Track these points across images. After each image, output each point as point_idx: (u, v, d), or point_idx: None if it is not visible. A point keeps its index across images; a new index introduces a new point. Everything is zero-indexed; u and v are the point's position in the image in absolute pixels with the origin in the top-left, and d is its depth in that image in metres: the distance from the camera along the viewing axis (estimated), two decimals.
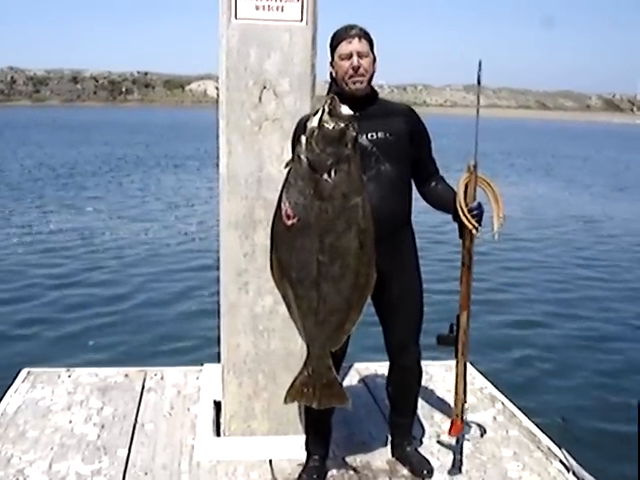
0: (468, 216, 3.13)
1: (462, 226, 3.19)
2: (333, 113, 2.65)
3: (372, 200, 2.82)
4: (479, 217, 3.16)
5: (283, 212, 2.72)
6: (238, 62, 3.48)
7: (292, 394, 3.02)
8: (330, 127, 2.64)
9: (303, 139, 2.68)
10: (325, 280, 2.76)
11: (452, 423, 3.47)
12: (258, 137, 3.53)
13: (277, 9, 3.44)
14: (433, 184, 3.35)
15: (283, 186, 2.74)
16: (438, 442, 3.81)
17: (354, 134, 2.68)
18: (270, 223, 2.81)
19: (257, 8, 3.43)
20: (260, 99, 3.52)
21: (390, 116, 3.23)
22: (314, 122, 2.66)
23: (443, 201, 3.29)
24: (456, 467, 3.51)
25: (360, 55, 3.11)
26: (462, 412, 3.44)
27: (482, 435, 3.96)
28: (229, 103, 3.52)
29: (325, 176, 2.65)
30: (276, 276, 2.86)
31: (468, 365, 4.81)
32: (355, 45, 3.11)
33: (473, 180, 3.17)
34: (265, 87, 3.51)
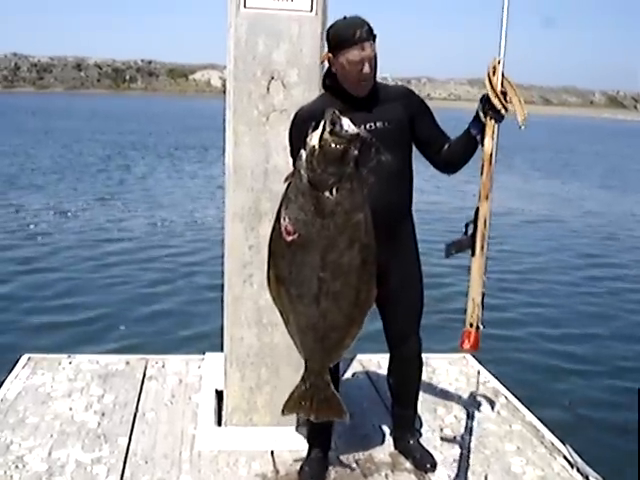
0: (500, 96, 3.02)
1: (489, 111, 3.07)
2: (335, 131, 2.57)
3: (372, 192, 2.78)
4: (506, 101, 3.06)
5: (283, 228, 2.66)
6: (246, 51, 3.45)
7: (289, 407, 2.99)
8: (332, 147, 2.57)
9: (303, 155, 2.62)
10: (326, 297, 2.72)
11: (466, 334, 3.20)
12: (265, 128, 3.50)
13: None
14: (446, 146, 3.26)
15: (282, 202, 2.68)
16: (441, 439, 3.78)
17: (356, 153, 2.61)
18: (275, 215, 2.79)
19: None
20: (268, 89, 3.49)
21: (388, 103, 3.17)
22: (315, 140, 2.59)
23: (461, 142, 3.21)
24: (463, 460, 3.49)
25: (370, 60, 3.03)
26: (479, 320, 3.20)
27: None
28: (236, 93, 3.50)
29: (327, 193, 2.60)
30: (274, 292, 2.82)
31: (471, 358, 4.86)
32: (367, 52, 3.01)
33: (499, 69, 3.06)
34: (273, 77, 3.48)
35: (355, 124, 2.82)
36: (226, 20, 3.49)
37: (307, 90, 3.44)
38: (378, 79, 3.22)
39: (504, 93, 3.04)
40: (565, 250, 13.36)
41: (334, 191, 2.60)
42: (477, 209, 3.17)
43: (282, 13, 3.43)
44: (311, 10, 3.43)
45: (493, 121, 3.07)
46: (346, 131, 2.58)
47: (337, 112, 2.60)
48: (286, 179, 2.70)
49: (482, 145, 3.13)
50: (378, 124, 3.12)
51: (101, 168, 23.14)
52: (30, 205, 15.39)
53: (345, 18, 3.06)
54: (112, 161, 25.39)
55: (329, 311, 2.74)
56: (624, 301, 10.01)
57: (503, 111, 3.04)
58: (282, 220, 2.67)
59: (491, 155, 3.14)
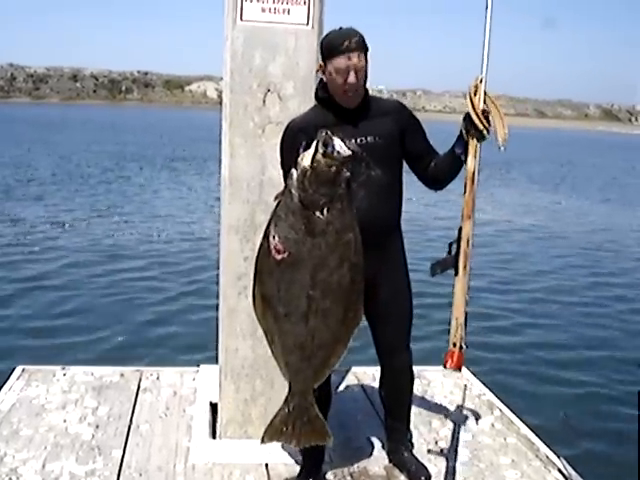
0: (481, 116, 3.03)
1: (470, 130, 3.07)
2: (327, 153, 2.58)
3: (362, 206, 2.81)
4: (488, 121, 3.07)
5: (272, 246, 2.67)
6: (242, 64, 3.47)
7: (270, 434, 2.96)
8: (324, 168, 2.58)
9: (294, 175, 2.63)
10: (315, 315, 2.73)
11: (449, 354, 3.24)
12: (261, 140, 3.52)
13: (283, 12, 3.43)
14: (432, 163, 3.27)
15: (271, 220, 2.69)
16: (428, 451, 3.75)
17: (348, 175, 2.63)
18: (263, 233, 2.77)
19: (263, 10, 3.42)
20: (264, 102, 3.50)
21: (379, 117, 3.17)
22: (307, 161, 2.59)
23: (447, 160, 3.21)
24: (458, 473, 3.48)
25: (357, 71, 3.02)
26: (462, 340, 3.22)
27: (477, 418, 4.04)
28: (233, 105, 3.51)
29: (318, 213, 2.62)
30: (259, 311, 2.82)
31: (466, 371, 4.85)
32: (354, 61, 3.00)
33: (481, 88, 3.08)
34: (269, 90, 3.50)
35: (346, 138, 2.84)
36: (223, 33, 3.50)
37: (303, 102, 3.45)
38: (373, 92, 3.23)
39: (486, 112, 3.05)
40: (558, 261, 13.42)
41: (325, 211, 2.62)
42: (460, 228, 3.18)
43: (278, 26, 3.44)
44: (307, 23, 3.45)
45: (475, 140, 3.09)
46: (339, 153, 2.59)
47: (329, 133, 2.61)
48: (276, 197, 2.71)
49: (466, 146, 3.14)
50: (369, 138, 3.11)
51: (98, 179, 23.22)
52: (27, 216, 15.40)
53: (340, 29, 3.07)
54: (109, 172, 25.46)
55: (317, 329, 2.75)
56: (620, 312, 10.05)
57: (485, 132, 3.05)
58: (271, 238, 2.67)
59: (474, 174, 3.14)
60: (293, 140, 3.11)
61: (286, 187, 2.68)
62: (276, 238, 2.66)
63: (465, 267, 3.18)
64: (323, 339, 2.78)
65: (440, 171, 3.26)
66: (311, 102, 3.28)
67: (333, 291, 2.72)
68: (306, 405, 2.91)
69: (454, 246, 3.21)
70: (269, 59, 3.47)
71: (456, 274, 3.20)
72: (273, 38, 3.45)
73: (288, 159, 3.13)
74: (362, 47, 3.04)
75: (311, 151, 2.61)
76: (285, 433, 2.93)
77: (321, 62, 3.10)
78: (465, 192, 3.17)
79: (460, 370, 3.35)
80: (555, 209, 21.29)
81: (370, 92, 3.22)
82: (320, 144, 2.59)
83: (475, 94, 3.08)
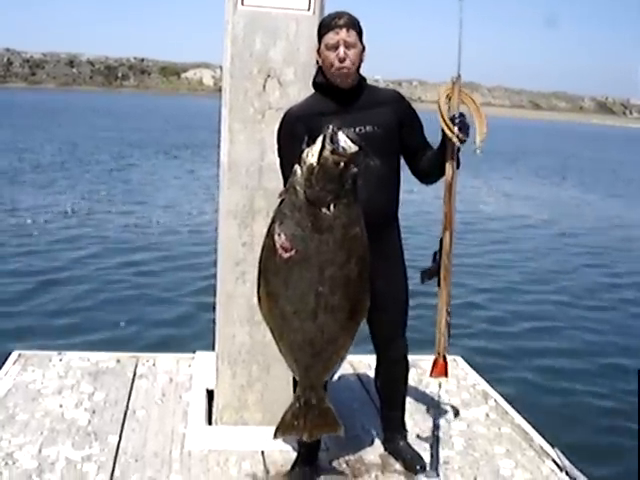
0: (449, 123, 3.02)
1: (445, 140, 3.07)
2: (335, 150, 2.56)
3: (360, 196, 2.78)
4: (462, 127, 3.04)
5: (278, 245, 2.66)
6: (243, 49, 3.45)
7: (282, 429, 2.99)
8: (332, 165, 2.56)
9: (298, 172, 2.61)
10: (324, 311, 2.74)
11: (434, 363, 3.34)
12: (261, 126, 3.50)
13: None
14: (423, 159, 3.27)
15: (275, 218, 2.68)
16: (422, 439, 3.76)
17: (355, 171, 2.62)
18: (270, 213, 2.78)
19: None
20: (264, 87, 3.49)
21: (378, 106, 3.16)
22: (314, 158, 2.58)
23: (435, 157, 3.20)
24: (453, 462, 3.49)
25: (347, 45, 3.03)
26: (445, 350, 3.29)
27: (456, 415, 4.04)
28: (232, 91, 3.50)
29: (324, 209, 2.61)
30: (265, 309, 2.82)
31: (460, 360, 4.86)
32: (342, 35, 3.02)
33: (456, 91, 3.07)
34: (269, 75, 3.48)
35: (345, 127, 2.83)
36: (223, 18, 3.48)
37: (303, 89, 3.44)
38: (370, 81, 3.22)
39: (462, 115, 3.04)
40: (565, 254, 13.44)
41: (332, 207, 2.61)
42: (441, 240, 3.18)
43: (279, 11, 3.43)
44: (308, 9, 3.44)
45: (451, 144, 3.07)
46: (345, 149, 2.57)
47: (335, 129, 2.59)
48: (280, 195, 2.70)
49: (443, 155, 3.13)
50: (368, 128, 3.11)
51: (98, 166, 23.13)
52: (26, 202, 15.36)
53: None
54: (109, 159, 25.36)
55: (326, 325, 2.76)
56: (617, 301, 10.09)
57: (455, 139, 3.02)
58: (277, 237, 2.66)
59: (451, 183, 3.11)
60: (290, 129, 3.10)
61: (290, 184, 2.66)
62: (282, 236, 2.65)
63: (445, 279, 3.19)
64: (332, 334, 2.79)
65: (429, 168, 3.26)
66: (311, 88, 3.26)
67: (342, 286, 2.73)
68: (317, 399, 2.93)
69: (438, 256, 3.22)
70: (270, 44, 3.45)
71: (438, 285, 3.23)
72: (274, 23, 3.44)
73: (285, 147, 3.12)
74: (352, 24, 3.05)
75: (317, 147, 2.59)
76: (297, 427, 2.96)
77: (318, 46, 3.11)
78: (444, 202, 3.17)
79: (446, 376, 3.37)
80: (562, 203, 21.27)
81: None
82: (328, 140, 2.57)
83: (448, 97, 3.08)
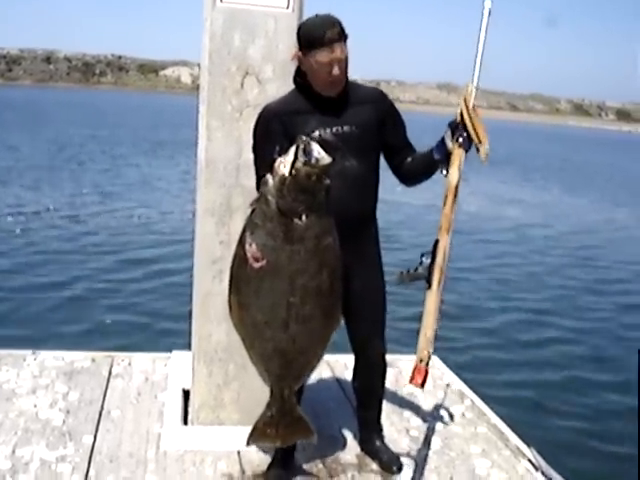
0: (477, 129, 2.95)
1: (459, 140, 2.98)
2: (308, 162, 2.53)
3: (336, 197, 2.75)
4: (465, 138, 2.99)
5: (249, 255, 2.63)
6: (222, 46, 3.42)
7: (255, 437, 2.97)
8: (305, 177, 2.53)
9: (270, 182, 2.58)
10: (295, 321, 2.71)
11: (417, 371, 3.13)
12: (239, 123, 3.47)
13: None
14: (409, 159, 3.22)
15: (245, 227, 2.65)
16: (399, 439, 3.77)
17: (328, 182, 2.59)
18: (247, 211, 2.75)
19: None
20: (242, 85, 3.47)
21: (358, 105, 3.11)
22: (286, 169, 2.54)
23: (423, 162, 3.16)
24: (429, 462, 3.49)
25: (340, 62, 2.97)
26: (429, 358, 3.11)
27: (432, 415, 4.04)
28: (210, 88, 3.47)
29: (296, 220, 2.59)
30: (236, 319, 2.79)
31: (437, 361, 4.86)
32: (337, 54, 2.94)
33: (472, 98, 3.01)
34: (248, 73, 3.46)
35: (322, 127, 2.80)
36: (202, 14, 3.46)
37: (282, 86, 3.41)
38: (350, 80, 3.19)
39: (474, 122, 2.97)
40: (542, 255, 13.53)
41: (304, 217, 2.58)
42: (436, 241, 3.08)
43: (258, 9, 3.41)
44: (287, 7, 3.42)
45: (461, 149, 3.00)
46: (319, 161, 2.54)
47: (308, 139, 2.57)
48: (251, 204, 2.66)
49: (445, 174, 3.05)
50: (345, 128, 3.06)
51: (74, 163, 23.00)
52: (6, 198, 15.27)
53: (317, 16, 3.00)
54: (85, 156, 25.22)
55: (298, 335, 2.74)
56: (599, 299, 10.22)
57: (476, 140, 2.96)
58: (248, 246, 2.63)
59: (456, 186, 3.04)
60: (266, 126, 3.07)
61: (261, 194, 2.63)
62: (253, 246, 2.62)
63: (440, 282, 3.08)
64: (304, 344, 2.77)
65: (414, 171, 3.23)
66: (290, 85, 3.23)
67: (313, 296, 2.70)
68: (289, 408, 2.91)
69: (425, 257, 3.10)
70: (248, 41, 3.43)
71: (429, 287, 3.09)
72: (253, 20, 3.41)
73: (260, 144, 3.09)
74: (343, 37, 2.98)
75: (290, 158, 2.55)
76: (269, 435, 2.95)
77: (298, 51, 3.03)
78: (445, 204, 3.06)
79: (424, 386, 3.20)
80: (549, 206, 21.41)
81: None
82: (300, 152, 2.53)
83: (465, 103, 2.99)
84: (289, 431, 2.95)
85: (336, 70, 2.96)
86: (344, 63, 3.00)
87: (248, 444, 3.01)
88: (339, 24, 2.97)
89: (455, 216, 3.08)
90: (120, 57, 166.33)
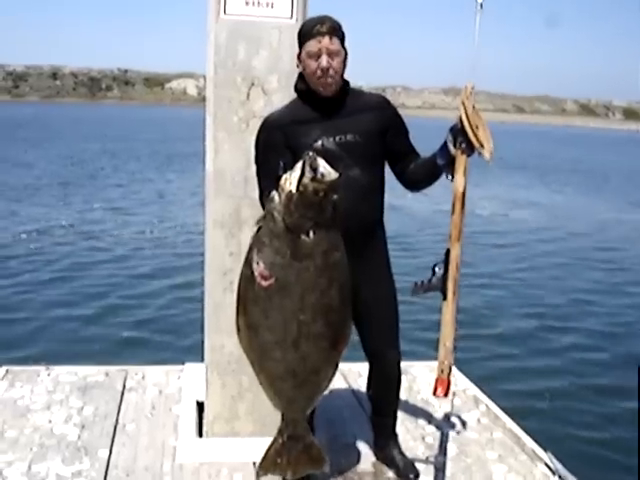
0: (476, 132, 2.88)
1: (462, 145, 2.91)
2: (315, 178, 2.49)
3: (342, 206, 2.68)
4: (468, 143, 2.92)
5: (257, 273, 2.58)
6: (226, 58, 3.44)
7: (265, 466, 2.89)
8: (311, 193, 2.49)
9: (276, 199, 2.53)
10: (306, 339, 2.65)
11: (437, 382, 3.13)
12: (246, 135, 3.48)
13: (267, 5, 3.40)
14: (412, 165, 3.19)
15: (252, 246, 2.61)
16: (415, 447, 3.76)
17: (335, 198, 2.54)
18: (244, 260, 2.68)
19: (247, 4, 3.39)
20: (248, 96, 3.47)
21: (361, 113, 3.09)
22: (292, 185, 2.50)
23: (426, 167, 3.12)
24: (445, 469, 3.47)
25: (330, 53, 2.95)
26: (450, 368, 3.10)
27: (447, 421, 4.02)
28: (216, 100, 3.48)
29: (303, 236, 2.54)
30: (244, 341, 2.73)
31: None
32: (325, 43, 2.94)
33: (471, 99, 2.91)
34: (253, 84, 3.47)
35: (324, 136, 2.77)
36: (206, 27, 3.47)
37: (287, 96, 3.41)
38: (353, 87, 3.18)
39: (476, 125, 2.90)
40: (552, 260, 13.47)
41: (311, 233, 2.54)
42: (448, 250, 3.03)
43: (262, 20, 3.42)
44: (291, 17, 3.43)
45: (465, 155, 2.94)
46: (325, 176, 2.50)
47: (315, 155, 2.52)
48: (257, 222, 2.62)
49: (451, 178, 3.01)
50: (349, 136, 3.04)
51: (88, 175, 23.16)
52: (21, 215, 15.37)
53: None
54: (99, 170, 25.43)
55: (309, 354, 2.68)
56: (611, 306, 10.12)
57: (477, 145, 2.90)
58: (255, 265, 2.58)
59: (463, 193, 2.99)
60: (267, 137, 3.07)
61: (268, 211, 2.58)
62: (260, 264, 2.57)
63: (454, 293, 3.03)
64: (315, 363, 2.70)
65: (418, 176, 3.20)
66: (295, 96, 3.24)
67: (323, 314, 2.64)
68: (301, 432, 2.86)
69: (438, 267, 3.06)
70: (253, 53, 3.44)
71: (444, 298, 3.05)
72: (257, 32, 3.42)
73: (262, 155, 3.09)
74: (334, 31, 2.97)
75: (296, 174, 2.51)
76: (280, 464, 2.87)
77: (298, 52, 3.05)
78: (453, 212, 3.01)
79: (447, 396, 3.23)
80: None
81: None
82: (308, 168, 2.49)
83: (464, 106, 2.91)
84: (300, 459, 2.87)
85: (324, 60, 2.94)
86: (337, 58, 2.98)
87: (258, 476, 2.94)
88: (333, 21, 2.99)
89: (466, 221, 3.04)
90: (126, 71, 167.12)
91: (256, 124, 3.44)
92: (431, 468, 3.52)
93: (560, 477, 3.52)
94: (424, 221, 15.97)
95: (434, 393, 3.14)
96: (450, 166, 3.00)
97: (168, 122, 70.35)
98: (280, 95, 3.46)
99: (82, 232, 13.82)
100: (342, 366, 4.69)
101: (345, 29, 3.05)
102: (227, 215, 3.55)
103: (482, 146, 2.91)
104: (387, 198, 3.25)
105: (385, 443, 3.56)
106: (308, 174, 2.49)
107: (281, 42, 3.44)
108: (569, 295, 10.63)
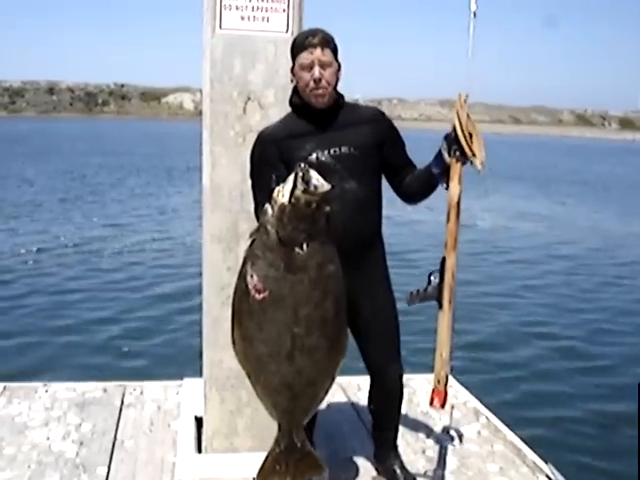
0: (469, 140, 2.87)
1: (456, 153, 2.90)
2: (308, 190, 2.48)
3: (337, 220, 2.69)
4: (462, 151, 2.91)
5: (251, 286, 2.57)
6: (222, 73, 3.44)
7: (263, 475, 2.87)
8: (304, 205, 2.48)
9: (269, 211, 2.53)
10: (301, 352, 2.63)
11: (433, 392, 3.12)
12: (242, 149, 3.47)
13: (263, 20, 3.40)
14: (409, 177, 3.18)
15: (246, 259, 2.60)
16: (416, 460, 3.74)
17: (328, 209, 2.54)
18: (239, 273, 2.67)
19: (242, 18, 3.40)
20: (244, 110, 3.47)
21: (355, 126, 3.08)
22: (285, 197, 2.49)
23: (422, 178, 3.11)
24: None
25: (322, 65, 2.95)
26: (446, 378, 3.09)
27: (448, 434, 4.00)
28: (213, 114, 3.48)
29: (297, 249, 2.53)
30: (240, 354, 2.73)
31: (451, 378, 4.82)
32: (317, 54, 2.94)
33: (465, 108, 2.90)
34: (250, 98, 3.47)
35: (319, 149, 2.76)
36: (201, 41, 3.47)
37: (283, 111, 3.40)
38: (350, 100, 3.18)
39: (471, 134, 2.91)
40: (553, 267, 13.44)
41: (305, 246, 2.53)
42: (443, 259, 3.02)
43: (258, 34, 3.42)
44: (287, 31, 3.43)
45: (459, 163, 2.93)
46: (317, 188, 2.49)
47: (307, 167, 2.52)
48: (250, 235, 2.62)
49: (446, 187, 3.00)
50: (343, 149, 3.03)
51: (90, 192, 23.14)
52: (20, 232, 15.37)
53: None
54: (98, 186, 25.38)
55: (304, 366, 2.66)
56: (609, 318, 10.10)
57: (473, 157, 2.90)
58: (249, 278, 2.57)
59: (458, 201, 2.98)
60: (262, 151, 3.07)
61: (261, 224, 2.58)
62: (254, 277, 2.56)
63: (450, 302, 3.02)
64: (311, 376, 2.69)
65: (414, 188, 3.19)
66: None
67: (318, 326, 2.63)
68: (298, 443, 2.83)
69: (434, 276, 3.04)
70: (249, 67, 3.44)
71: (440, 307, 3.04)
72: (253, 46, 3.43)
73: (256, 170, 3.09)
74: (326, 43, 2.97)
75: (289, 187, 2.50)
76: (279, 472, 2.85)
77: (291, 68, 3.06)
78: (448, 221, 3.00)
79: (444, 407, 3.21)
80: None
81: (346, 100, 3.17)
82: (300, 180, 2.48)
83: (458, 115, 2.91)
84: (299, 467, 2.85)
85: (316, 71, 2.94)
86: (329, 69, 2.98)
87: None
88: (324, 33, 2.99)
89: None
90: (122, 85, 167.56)
91: (252, 138, 3.43)
92: None
93: None
94: (427, 235, 15.92)
95: (431, 404, 3.12)
96: (445, 175, 2.99)
97: (165, 136, 70.52)
98: (276, 109, 3.46)
99: (81, 247, 13.83)
100: (341, 379, 4.72)
101: (341, 42, 3.05)
102: (224, 229, 3.55)
103: (474, 155, 2.90)
104: (386, 211, 3.24)
105: (386, 456, 3.53)
106: (300, 186, 2.48)
107: (277, 56, 3.44)
108: (571, 306, 10.62)
